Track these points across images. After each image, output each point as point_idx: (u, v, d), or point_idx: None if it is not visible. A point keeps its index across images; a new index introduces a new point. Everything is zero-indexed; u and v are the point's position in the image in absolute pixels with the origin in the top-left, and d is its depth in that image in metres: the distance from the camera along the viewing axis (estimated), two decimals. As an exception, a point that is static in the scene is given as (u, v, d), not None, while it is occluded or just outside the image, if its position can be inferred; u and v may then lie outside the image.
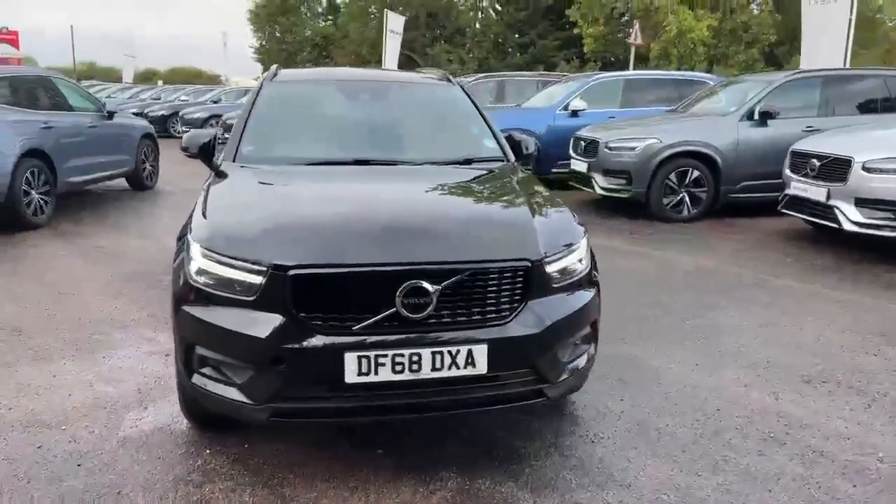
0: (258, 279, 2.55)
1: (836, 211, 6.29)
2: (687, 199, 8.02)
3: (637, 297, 5.19)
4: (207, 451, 2.99)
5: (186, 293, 2.74)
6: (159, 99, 23.70)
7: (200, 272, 2.69)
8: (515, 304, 2.68)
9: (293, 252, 2.57)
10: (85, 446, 3.03)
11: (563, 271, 2.85)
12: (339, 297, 2.54)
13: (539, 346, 2.69)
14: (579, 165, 8.79)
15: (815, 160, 6.61)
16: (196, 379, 2.72)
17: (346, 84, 4.53)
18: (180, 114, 19.62)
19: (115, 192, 9.89)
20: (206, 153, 3.88)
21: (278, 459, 2.93)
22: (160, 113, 20.05)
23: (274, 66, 4.64)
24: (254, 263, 2.57)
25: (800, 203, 6.84)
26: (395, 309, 2.52)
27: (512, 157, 4.01)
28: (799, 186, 6.82)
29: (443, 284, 2.54)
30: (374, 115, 4.20)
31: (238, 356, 2.60)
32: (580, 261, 2.95)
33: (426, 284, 2.52)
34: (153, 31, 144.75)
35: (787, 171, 7.07)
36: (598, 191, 8.42)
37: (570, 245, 2.92)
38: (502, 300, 2.67)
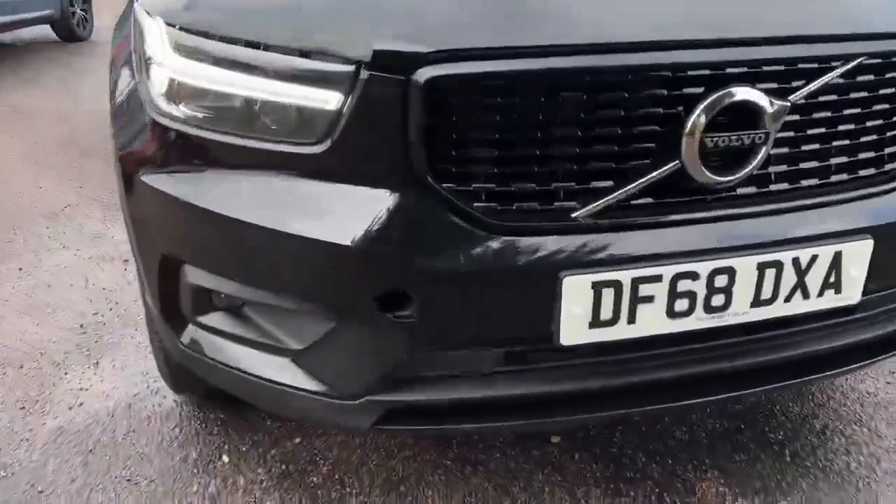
0: (333, 97, 1.00)
1: None
2: None
3: None
4: (224, 461, 1.56)
5: (149, 145, 1.18)
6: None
7: (178, 91, 1.12)
8: None
9: (417, 25, 1.00)
10: (-18, 457, 1.57)
11: None
12: (539, 141, 1.01)
13: None
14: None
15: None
16: (193, 337, 1.23)
17: None
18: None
19: (39, 45, 7.81)
20: None
21: (364, 466, 1.52)
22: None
23: None
24: (319, 56, 1.01)
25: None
26: (677, 163, 1.02)
27: None
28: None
29: (796, 96, 1.03)
30: None
31: (293, 290, 1.10)
32: None
33: (757, 97, 1.01)
34: None
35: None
36: None
37: None
38: None
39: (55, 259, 2.53)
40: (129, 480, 1.50)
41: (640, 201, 1.05)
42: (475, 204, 1.02)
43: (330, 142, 1.01)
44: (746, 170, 1.04)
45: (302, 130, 1.03)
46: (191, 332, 1.23)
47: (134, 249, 1.30)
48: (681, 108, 1.00)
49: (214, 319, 1.20)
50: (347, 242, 1.02)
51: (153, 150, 1.17)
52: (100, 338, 2.03)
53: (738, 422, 1.64)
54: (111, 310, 2.18)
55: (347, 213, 1.03)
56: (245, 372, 1.17)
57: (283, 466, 1.53)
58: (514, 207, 1.03)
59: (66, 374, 1.87)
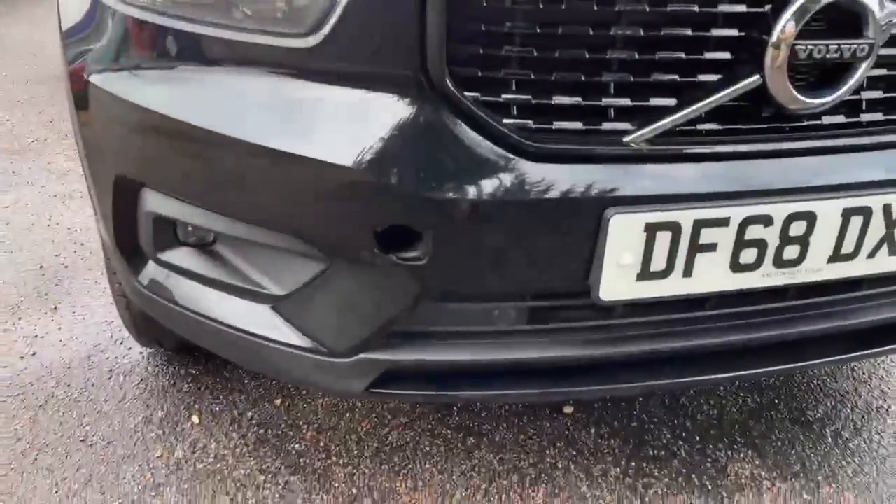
0: None
1: None
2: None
3: None
4: (194, 422, 1.37)
5: (101, 40, 0.96)
6: None
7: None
8: None
9: None
10: (-88, 410, 1.38)
11: None
12: (590, 40, 0.80)
13: None
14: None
15: None
16: (153, 277, 1.03)
17: None
18: None
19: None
20: None
21: (353, 434, 1.34)
22: None
23: None
24: None
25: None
26: (757, 78, 0.82)
27: None
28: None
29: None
30: None
31: (275, 222, 0.90)
32: None
33: None
34: None
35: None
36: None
37: None
38: None
39: (16, 195, 2.31)
40: (83, 441, 1.32)
41: (707, 126, 0.85)
42: (505, 120, 0.81)
43: (324, 33, 0.80)
44: (841, 91, 0.84)
45: (290, 17, 0.82)
46: (151, 271, 1.03)
47: (85, 170, 1.09)
48: (768, 7, 0.80)
49: (179, 256, 1.00)
50: (343, 162, 0.81)
51: (106, 46, 0.95)
52: (60, 281, 1.82)
53: (772, 396, 1.47)
54: (75, 251, 1.97)
55: (345, 125, 0.83)
56: (214, 320, 0.98)
57: (261, 431, 1.34)
58: (553, 126, 0.83)
59: (19, 319, 1.67)
